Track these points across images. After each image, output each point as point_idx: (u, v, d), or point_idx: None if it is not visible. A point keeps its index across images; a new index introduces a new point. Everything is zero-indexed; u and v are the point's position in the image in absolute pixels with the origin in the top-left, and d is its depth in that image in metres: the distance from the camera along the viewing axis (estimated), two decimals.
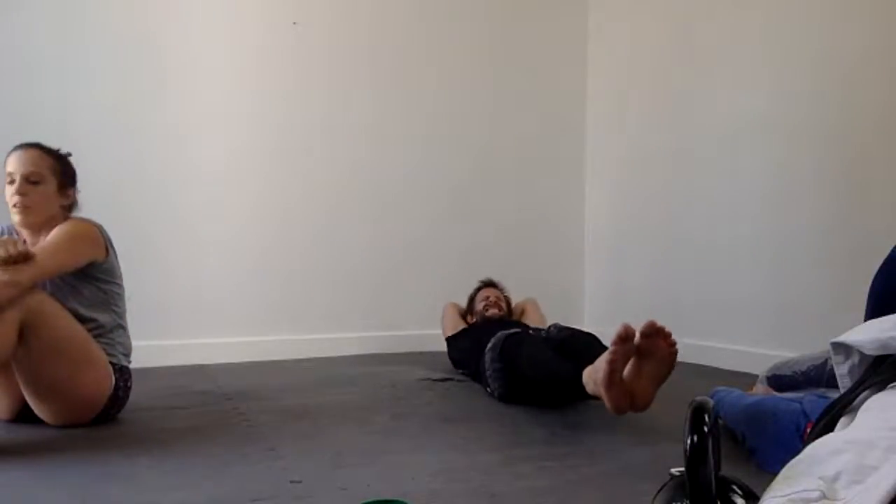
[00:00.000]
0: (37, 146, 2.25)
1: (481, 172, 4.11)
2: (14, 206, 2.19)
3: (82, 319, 2.19)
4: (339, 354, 3.66)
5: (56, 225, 2.21)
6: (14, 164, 2.20)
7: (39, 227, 2.23)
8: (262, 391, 2.79)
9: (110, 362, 2.23)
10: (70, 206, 2.32)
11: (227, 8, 3.62)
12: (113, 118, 3.36)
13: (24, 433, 2.13)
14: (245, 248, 3.64)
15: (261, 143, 3.67)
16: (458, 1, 4.11)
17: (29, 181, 2.19)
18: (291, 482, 1.68)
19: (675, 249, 3.69)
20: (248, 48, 3.66)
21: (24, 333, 2.00)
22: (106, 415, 2.23)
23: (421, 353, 3.66)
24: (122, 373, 2.29)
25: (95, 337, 2.21)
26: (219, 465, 1.84)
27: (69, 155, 2.32)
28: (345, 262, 3.79)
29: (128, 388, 2.30)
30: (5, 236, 2.20)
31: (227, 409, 2.47)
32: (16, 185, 2.18)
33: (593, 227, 4.33)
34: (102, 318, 2.26)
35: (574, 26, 4.36)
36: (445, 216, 4.01)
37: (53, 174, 2.24)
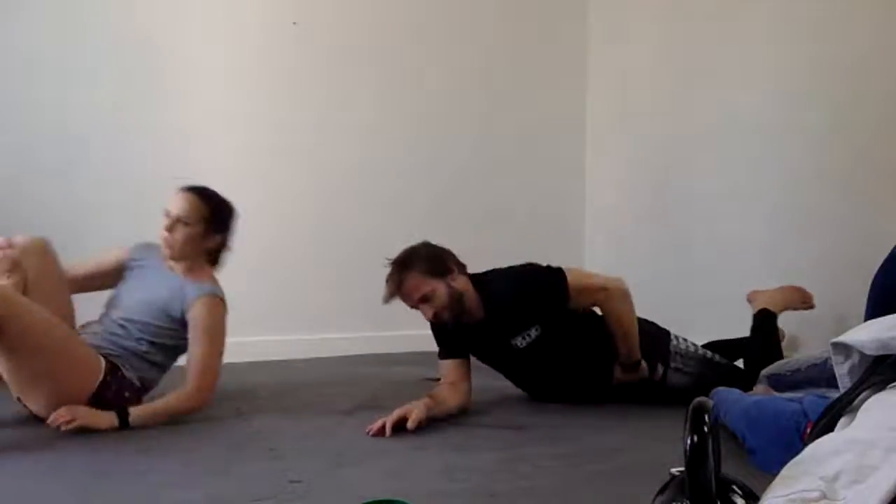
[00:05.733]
0: (197, 191, 2.43)
1: (481, 172, 4.10)
2: (163, 240, 2.40)
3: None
4: (338, 354, 3.66)
5: (196, 266, 2.45)
6: (171, 203, 2.40)
7: (183, 264, 2.43)
8: (262, 391, 2.79)
9: (125, 375, 2.30)
10: (216, 250, 2.51)
11: (226, 8, 3.61)
12: (113, 118, 3.35)
13: (24, 433, 2.13)
14: (245, 248, 3.61)
15: (261, 143, 3.66)
16: (458, 1, 4.11)
17: (177, 220, 2.38)
18: (291, 482, 1.68)
19: (676, 249, 3.69)
20: (247, 48, 3.65)
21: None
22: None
23: (421, 353, 3.65)
24: (133, 388, 2.34)
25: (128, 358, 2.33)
26: (219, 465, 1.84)
27: (230, 204, 2.51)
28: (345, 261, 3.78)
29: (140, 400, 2.35)
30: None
31: (227, 409, 2.47)
32: (165, 222, 2.37)
33: (593, 227, 4.33)
34: (158, 358, 2.42)
35: (574, 26, 4.34)
36: (446, 216, 4.00)
37: (201, 219, 2.41)
